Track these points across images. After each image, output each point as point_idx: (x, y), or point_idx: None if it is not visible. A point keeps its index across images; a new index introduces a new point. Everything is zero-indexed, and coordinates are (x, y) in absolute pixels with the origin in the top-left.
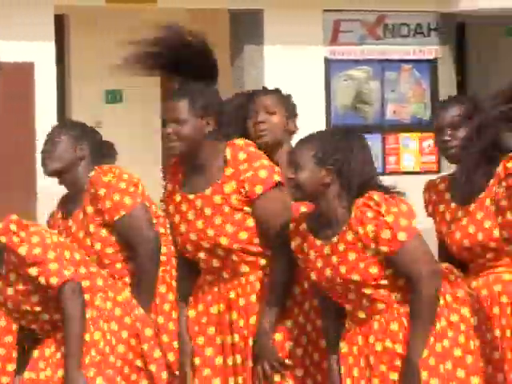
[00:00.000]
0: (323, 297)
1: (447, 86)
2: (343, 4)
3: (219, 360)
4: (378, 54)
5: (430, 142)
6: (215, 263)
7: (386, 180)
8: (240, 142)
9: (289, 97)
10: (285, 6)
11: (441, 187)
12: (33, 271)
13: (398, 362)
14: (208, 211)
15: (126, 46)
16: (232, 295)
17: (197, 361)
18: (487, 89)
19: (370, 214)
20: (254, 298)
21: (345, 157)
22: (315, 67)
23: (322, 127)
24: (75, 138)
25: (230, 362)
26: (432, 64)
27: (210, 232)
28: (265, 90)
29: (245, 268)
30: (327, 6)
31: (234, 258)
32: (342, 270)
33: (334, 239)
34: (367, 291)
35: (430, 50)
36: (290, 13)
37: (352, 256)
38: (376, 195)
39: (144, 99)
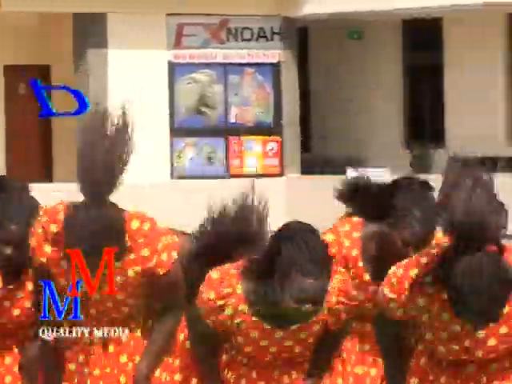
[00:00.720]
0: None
1: (290, 90)
2: (186, 8)
3: None
4: (221, 57)
5: (273, 146)
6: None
7: (229, 183)
8: (135, 223)
9: None
10: (128, 10)
11: None
12: None
13: None
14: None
15: None
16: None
17: None
18: (330, 91)
19: (345, 312)
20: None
21: None
22: (159, 71)
23: (166, 130)
24: None
25: None
26: (275, 68)
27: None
28: None
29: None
30: (170, 10)
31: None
32: (297, 349)
33: (293, 327)
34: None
35: (273, 53)
36: (134, 17)
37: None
38: (351, 290)
39: None
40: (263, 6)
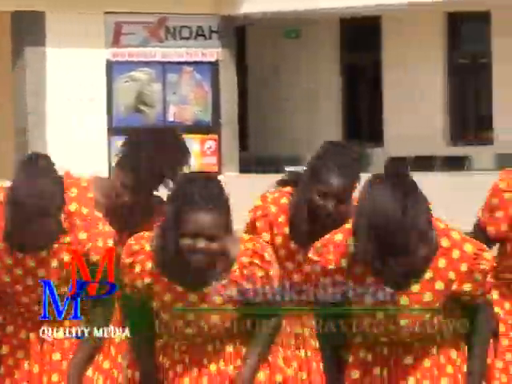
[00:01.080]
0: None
1: (228, 88)
2: (125, 6)
3: None
4: (159, 56)
5: (211, 144)
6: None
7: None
8: (74, 206)
9: None
10: (66, 8)
11: None
12: None
13: None
14: (41, 273)
15: None
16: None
17: None
18: (268, 90)
19: (260, 274)
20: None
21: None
22: (97, 69)
23: (104, 128)
24: None
25: None
26: (213, 66)
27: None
28: None
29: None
30: (109, 9)
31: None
32: (214, 319)
33: (206, 289)
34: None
35: (212, 52)
36: (72, 15)
37: (229, 306)
38: (266, 253)
39: None
40: (201, 4)
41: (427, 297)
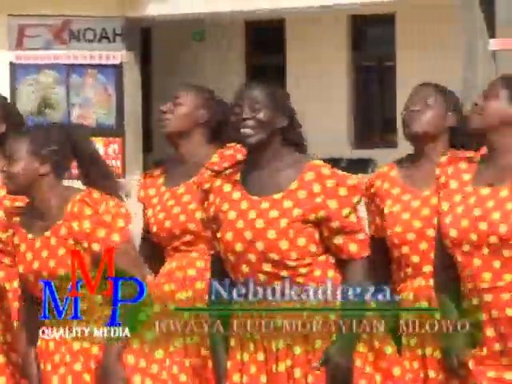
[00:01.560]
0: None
1: (133, 90)
2: (28, 9)
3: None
4: (63, 58)
5: (115, 147)
6: None
7: (74, 185)
8: None
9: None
10: None
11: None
12: None
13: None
14: None
15: None
16: None
17: None
18: (173, 91)
19: (87, 211)
20: None
21: (60, 148)
22: (0, 72)
23: None
24: None
25: None
26: (117, 69)
27: None
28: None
29: None
30: (12, 11)
31: None
32: (51, 263)
33: (47, 233)
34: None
35: (116, 55)
36: None
37: (62, 251)
38: (95, 193)
39: None
40: (106, 7)
41: (287, 203)
